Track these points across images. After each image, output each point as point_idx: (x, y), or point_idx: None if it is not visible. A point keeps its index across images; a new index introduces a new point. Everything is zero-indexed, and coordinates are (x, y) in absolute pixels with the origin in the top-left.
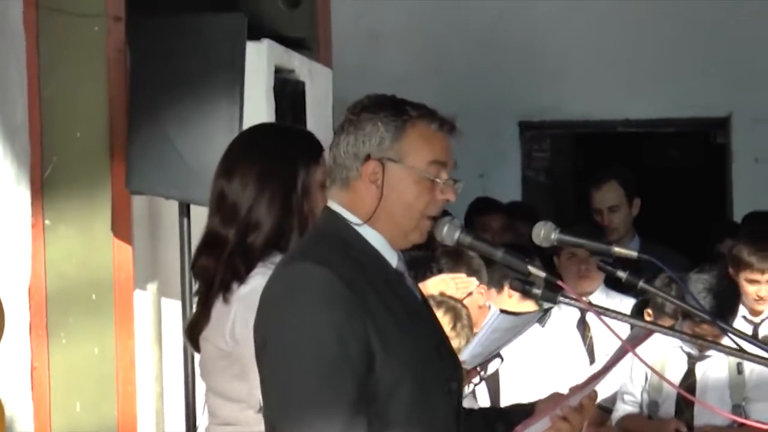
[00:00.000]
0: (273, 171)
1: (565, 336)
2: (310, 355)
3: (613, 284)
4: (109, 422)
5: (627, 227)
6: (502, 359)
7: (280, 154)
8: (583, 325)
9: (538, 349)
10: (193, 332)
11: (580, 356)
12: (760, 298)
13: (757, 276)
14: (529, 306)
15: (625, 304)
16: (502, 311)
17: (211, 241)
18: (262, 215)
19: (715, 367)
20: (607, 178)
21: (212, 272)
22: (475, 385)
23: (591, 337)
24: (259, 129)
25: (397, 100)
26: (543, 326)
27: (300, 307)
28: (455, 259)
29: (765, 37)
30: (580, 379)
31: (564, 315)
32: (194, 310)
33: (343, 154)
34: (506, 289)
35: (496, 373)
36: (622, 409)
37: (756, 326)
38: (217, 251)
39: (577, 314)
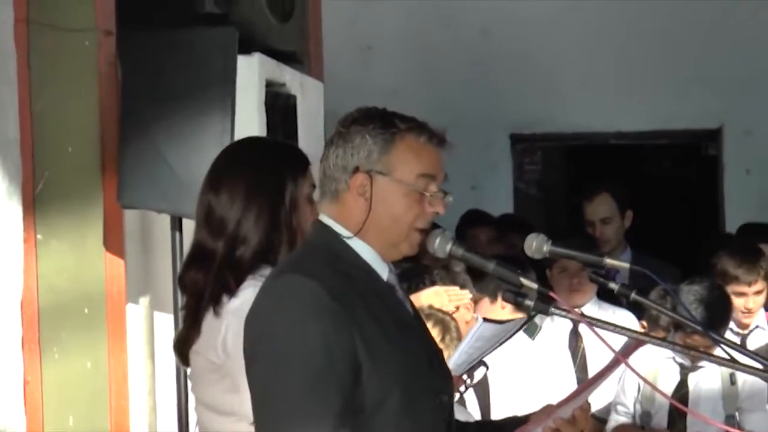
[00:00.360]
0: (260, 185)
1: (554, 349)
2: (297, 366)
3: (606, 296)
4: None
5: (619, 239)
6: (487, 367)
7: (267, 168)
8: (575, 337)
9: (527, 361)
10: (183, 346)
11: (568, 370)
12: (748, 311)
13: (743, 288)
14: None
15: (618, 315)
16: (486, 320)
17: (199, 254)
18: (250, 229)
19: (707, 378)
20: (599, 191)
21: (201, 285)
22: (461, 393)
23: (583, 348)
24: (246, 143)
25: (386, 113)
26: (533, 339)
27: (288, 319)
28: (448, 273)
29: (757, 49)
30: (569, 392)
31: (555, 328)
32: (182, 323)
33: (333, 167)
34: (500, 299)
35: (486, 384)
36: (615, 420)
37: (743, 338)
38: (205, 264)
39: (569, 326)
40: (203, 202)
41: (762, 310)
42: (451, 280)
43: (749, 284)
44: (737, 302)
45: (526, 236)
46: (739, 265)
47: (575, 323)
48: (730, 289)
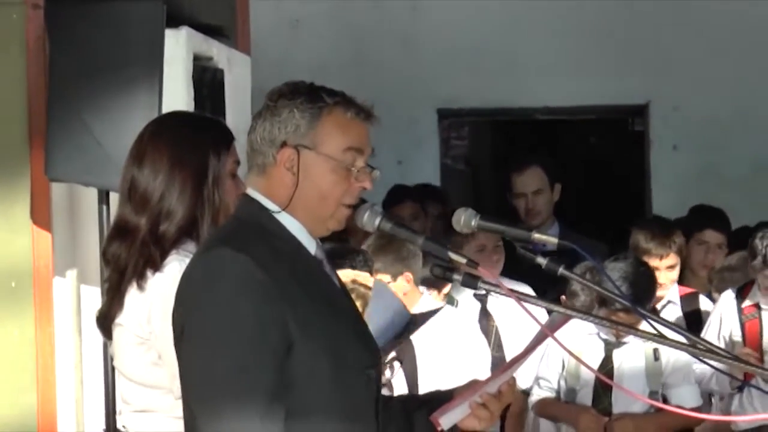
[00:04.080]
0: (184, 159)
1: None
2: (227, 341)
3: (508, 272)
4: (28, 409)
5: (549, 212)
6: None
7: (190, 142)
8: (485, 316)
9: (449, 330)
10: (105, 320)
11: (482, 345)
12: (659, 285)
13: (655, 262)
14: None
15: (525, 290)
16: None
17: (121, 228)
18: (174, 204)
19: (631, 355)
20: (530, 163)
21: (124, 260)
22: (389, 378)
23: (496, 327)
24: (170, 117)
25: (314, 87)
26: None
27: (218, 293)
28: (383, 246)
29: (684, 25)
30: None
31: (465, 309)
32: (104, 297)
33: (260, 141)
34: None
35: (413, 360)
36: (537, 394)
37: (657, 313)
38: (128, 239)
39: (478, 306)
40: (126, 176)
41: (675, 286)
42: (394, 250)
43: (660, 257)
44: None
45: (443, 206)
46: (651, 238)
47: (484, 303)
48: None
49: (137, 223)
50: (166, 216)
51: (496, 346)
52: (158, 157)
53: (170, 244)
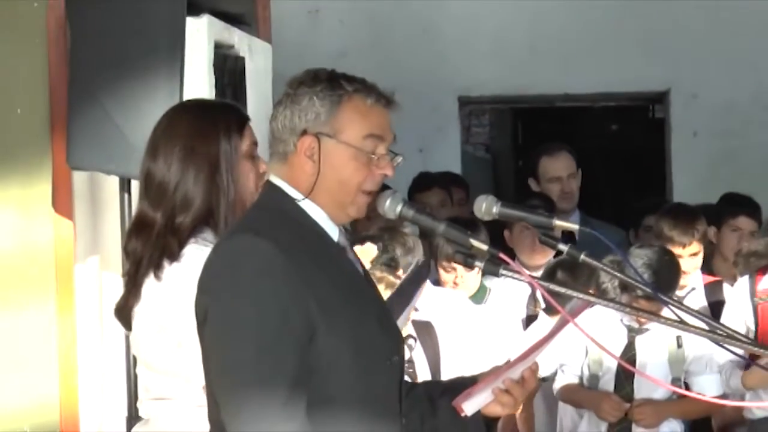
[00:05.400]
0: (196, 148)
1: (506, 313)
2: (250, 327)
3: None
4: (50, 398)
5: (577, 197)
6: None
7: (201, 130)
8: (533, 302)
9: (475, 325)
10: (123, 311)
11: (517, 333)
12: (683, 273)
13: (678, 250)
14: None
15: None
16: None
17: (140, 223)
18: (189, 193)
19: (654, 342)
20: (561, 148)
21: (140, 253)
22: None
23: (541, 313)
24: (179, 107)
25: (334, 74)
26: (482, 304)
27: (241, 279)
28: (391, 236)
29: (704, 12)
30: (520, 352)
31: (512, 291)
32: (123, 290)
33: (281, 128)
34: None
35: (436, 345)
36: (561, 380)
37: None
38: (145, 232)
39: (528, 291)
40: (143, 170)
41: (699, 273)
42: (400, 242)
43: (683, 246)
44: None
45: (466, 193)
46: (674, 226)
47: (533, 288)
48: None
49: (154, 217)
50: (181, 207)
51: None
52: (170, 148)
53: (187, 234)
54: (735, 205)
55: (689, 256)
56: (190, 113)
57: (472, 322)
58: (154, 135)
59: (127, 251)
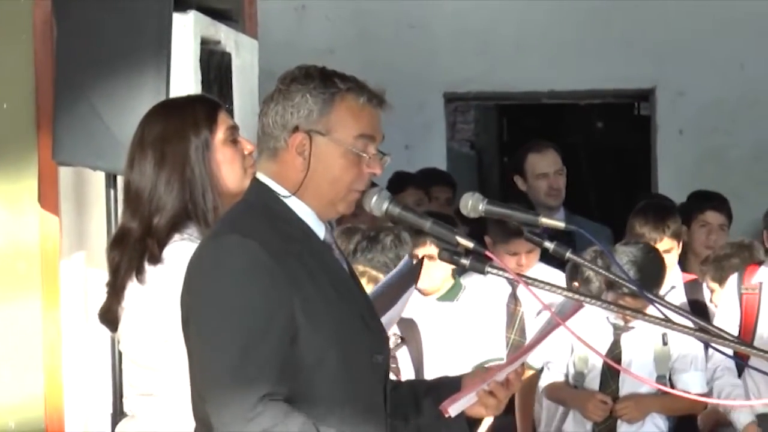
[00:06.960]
0: (165, 150)
1: (484, 310)
2: (233, 325)
3: (548, 260)
4: (35, 393)
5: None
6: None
7: (169, 132)
8: (514, 300)
9: (450, 322)
10: (108, 315)
11: (498, 331)
12: None
13: None
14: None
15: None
16: None
17: (119, 233)
18: (162, 195)
19: (640, 339)
20: (547, 145)
21: (118, 261)
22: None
23: (522, 313)
24: (150, 113)
25: (327, 72)
26: (454, 302)
27: (225, 278)
28: (371, 243)
29: (689, 10)
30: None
31: (492, 289)
32: (106, 296)
33: (272, 124)
34: None
35: (419, 343)
36: (547, 378)
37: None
38: (122, 243)
39: (509, 289)
40: (124, 182)
41: (678, 271)
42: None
43: (654, 242)
44: None
45: (452, 190)
46: (645, 222)
47: (514, 287)
48: None
49: (131, 226)
50: (156, 210)
51: (519, 331)
52: (142, 155)
53: (165, 234)
54: (703, 200)
55: (662, 253)
56: (159, 117)
57: (441, 320)
58: (131, 146)
59: (108, 262)
